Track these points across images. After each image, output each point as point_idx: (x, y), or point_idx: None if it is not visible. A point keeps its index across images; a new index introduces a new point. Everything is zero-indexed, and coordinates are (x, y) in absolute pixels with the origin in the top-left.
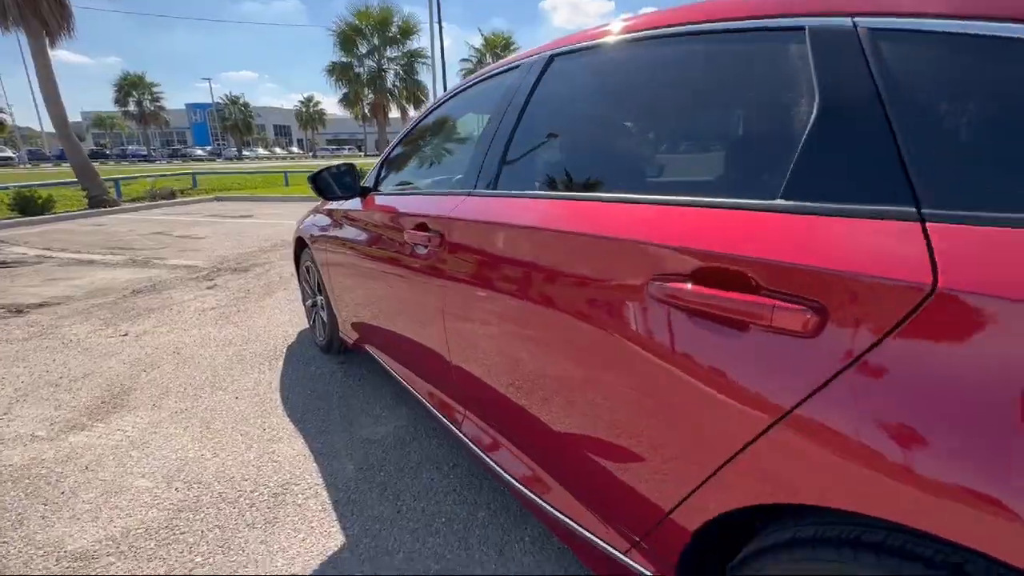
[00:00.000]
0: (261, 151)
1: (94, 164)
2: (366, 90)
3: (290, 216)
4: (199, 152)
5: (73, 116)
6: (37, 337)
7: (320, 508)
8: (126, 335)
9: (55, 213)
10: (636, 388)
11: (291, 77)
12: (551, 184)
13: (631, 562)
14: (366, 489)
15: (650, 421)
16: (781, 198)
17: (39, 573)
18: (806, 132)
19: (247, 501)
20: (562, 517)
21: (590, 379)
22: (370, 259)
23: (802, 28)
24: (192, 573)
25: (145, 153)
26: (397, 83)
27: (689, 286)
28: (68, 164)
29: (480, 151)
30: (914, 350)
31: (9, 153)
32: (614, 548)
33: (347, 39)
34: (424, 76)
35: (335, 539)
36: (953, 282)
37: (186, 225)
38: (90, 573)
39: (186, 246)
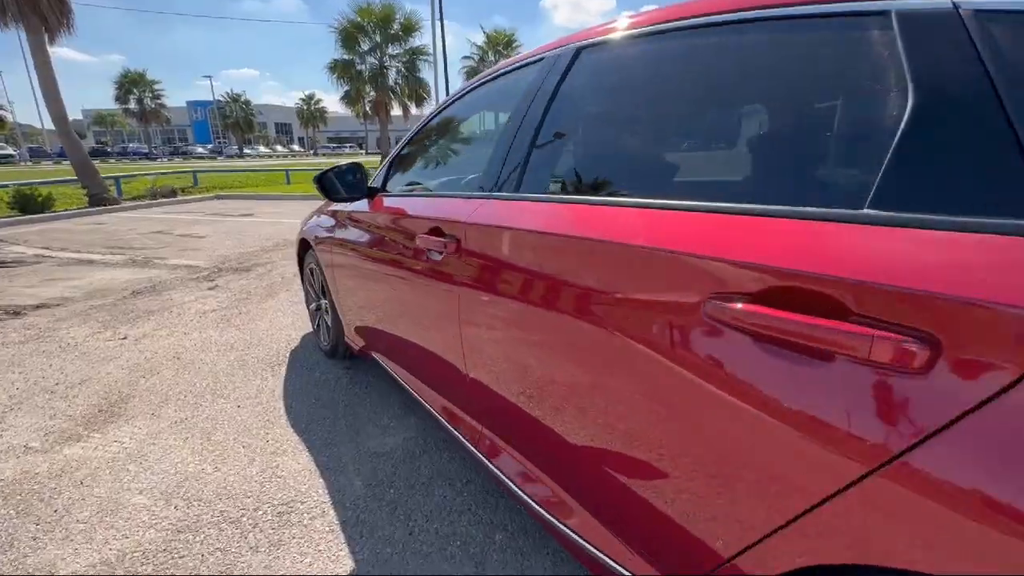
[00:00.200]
0: (262, 149)
1: (95, 162)
2: (368, 87)
3: (291, 215)
4: (200, 150)
5: (74, 114)
6: (34, 340)
7: (327, 529)
8: (125, 339)
9: (55, 211)
10: (691, 419)
11: (292, 75)
12: (583, 188)
13: None
14: (375, 508)
15: (705, 455)
16: (869, 207)
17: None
18: (899, 131)
19: (250, 521)
20: (598, 554)
21: (634, 405)
22: (378, 263)
23: (887, 12)
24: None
25: (146, 151)
26: (399, 81)
27: (757, 308)
28: (69, 162)
29: (499, 151)
30: None
31: (10, 151)
32: None
33: (349, 36)
34: (426, 74)
35: (344, 564)
36: None
37: (187, 224)
38: None
39: (187, 245)
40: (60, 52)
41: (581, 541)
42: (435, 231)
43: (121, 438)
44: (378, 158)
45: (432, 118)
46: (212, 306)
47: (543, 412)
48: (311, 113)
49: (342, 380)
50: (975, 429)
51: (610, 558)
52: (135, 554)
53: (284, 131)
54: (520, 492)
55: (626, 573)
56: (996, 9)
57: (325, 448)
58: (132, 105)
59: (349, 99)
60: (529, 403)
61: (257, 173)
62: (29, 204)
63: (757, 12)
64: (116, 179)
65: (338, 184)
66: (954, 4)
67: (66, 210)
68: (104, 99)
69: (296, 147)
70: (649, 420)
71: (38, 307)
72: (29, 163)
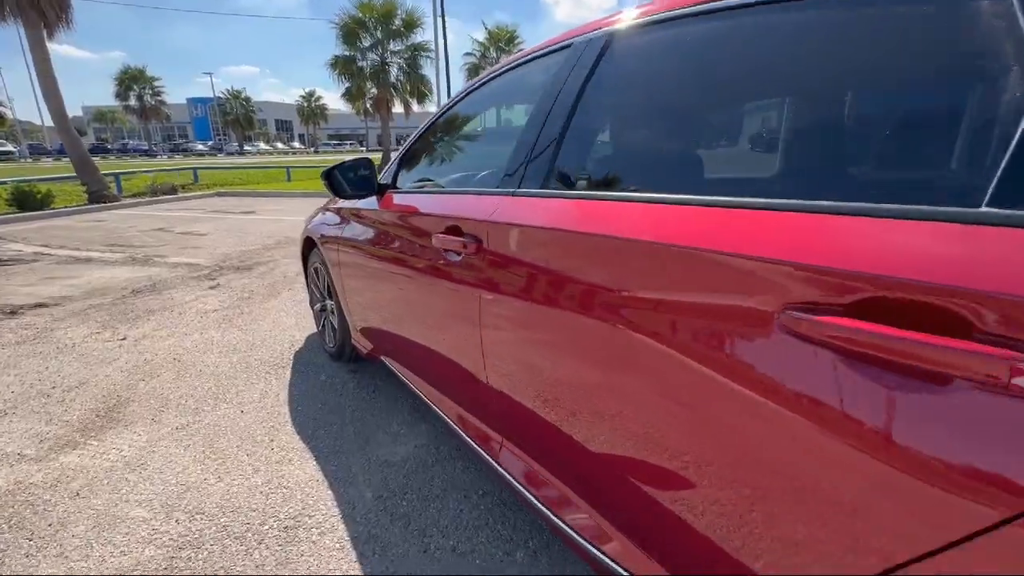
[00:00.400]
0: (262, 146)
1: (95, 159)
2: (369, 84)
3: (293, 212)
4: (200, 147)
5: (74, 110)
6: (30, 341)
7: (337, 546)
8: (124, 339)
9: (54, 208)
10: (761, 446)
11: (293, 72)
12: (623, 184)
13: None
14: (387, 523)
15: (787, 490)
16: (989, 206)
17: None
18: None
19: (255, 536)
20: None
21: (701, 431)
22: (390, 262)
23: None
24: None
25: (146, 148)
26: (401, 77)
27: (848, 322)
28: (68, 159)
29: (524, 145)
30: None
31: (10, 147)
32: None
33: (350, 32)
34: (428, 70)
35: None
36: None
37: (187, 221)
38: None
39: (187, 243)
40: (60, 49)
41: (621, 571)
42: (453, 230)
43: (120, 445)
44: (379, 156)
45: (446, 111)
46: (213, 306)
47: (579, 430)
48: (311, 110)
49: (348, 384)
50: None
51: None
52: (134, 573)
53: (284, 128)
54: (551, 515)
55: None
56: None
57: (333, 456)
58: (132, 102)
59: (350, 96)
60: (562, 418)
61: (258, 170)
62: (28, 201)
63: None
64: (116, 176)
65: (347, 180)
66: None
67: (65, 207)
68: (104, 96)
69: (296, 144)
70: (718, 448)
71: (36, 306)
72: (29, 160)
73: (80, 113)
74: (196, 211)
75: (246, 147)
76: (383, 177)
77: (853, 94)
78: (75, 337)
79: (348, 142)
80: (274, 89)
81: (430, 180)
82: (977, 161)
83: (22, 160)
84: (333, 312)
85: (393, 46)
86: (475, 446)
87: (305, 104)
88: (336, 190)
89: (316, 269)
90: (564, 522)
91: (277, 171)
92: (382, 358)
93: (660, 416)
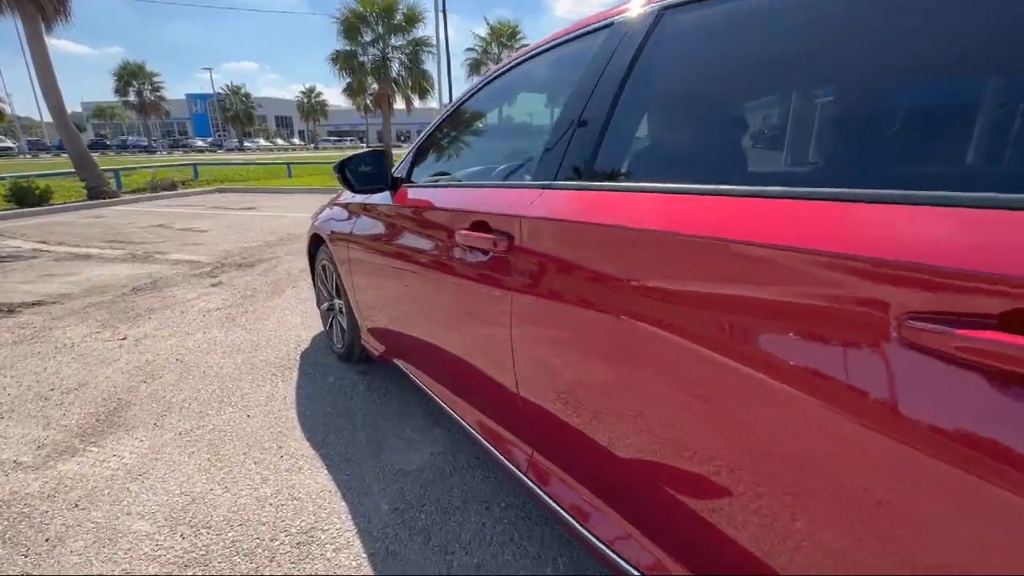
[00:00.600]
0: (262, 142)
1: (94, 155)
2: (370, 79)
3: (294, 208)
4: (199, 143)
5: (73, 106)
6: (28, 341)
7: (354, 565)
8: (124, 339)
9: (53, 204)
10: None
11: (293, 68)
12: (682, 176)
13: None
14: (406, 538)
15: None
16: None
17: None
18: None
19: (266, 553)
20: None
21: (784, 455)
22: (406, 261)
23: None
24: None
25: (146, 144)
26: (402, 72)
27: (989, 335)
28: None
29: (560, 134)
30: None
31: (9, 143)
32: None
33: (351, 26)
34: (429, 66)
35: None
36: None
37: (188, 217)
38: None
39: (188, 240)
40: (59, 44)
41: None
42: (479, 226)
43: (121, 452)
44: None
45: (464, 101)
46: (216, 304)
47: (630, 441)
48: (312, 106)
49: (358, 386)
50: None
51: None
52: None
53: (284, 124)
54: (591, 537)
55: None
56: None
57: (345, 465)
58: (131, 98)
59: (351, 91)
60: (609, 428)
61: (258, 166)
62: (27, 197)
63: None
64: (115, 172)
65: (360, 173)
66: None
67: (64, 203)
68: (103, 92)
69: (296, 140)
70: (800, 470)
71: (34, 304)
72: (28, 156)
73: (79, 109)
74: (196, 207)
75: (246, 143)
76: (397, 171)
77: (937, 73)
78: (74, 336)
79: (348, 138)
80: (274, 85)
81: (449, 173)
82: None
83: (21, 156)
84: (342, 312)
85: (394, 41)
86: (498, 455)
87: (305, 100)
88: (349, 184)
89: (324, 267)
90: (613, 550)
91: (278, 167)
92: (395, 361)
93: (744, 435)
